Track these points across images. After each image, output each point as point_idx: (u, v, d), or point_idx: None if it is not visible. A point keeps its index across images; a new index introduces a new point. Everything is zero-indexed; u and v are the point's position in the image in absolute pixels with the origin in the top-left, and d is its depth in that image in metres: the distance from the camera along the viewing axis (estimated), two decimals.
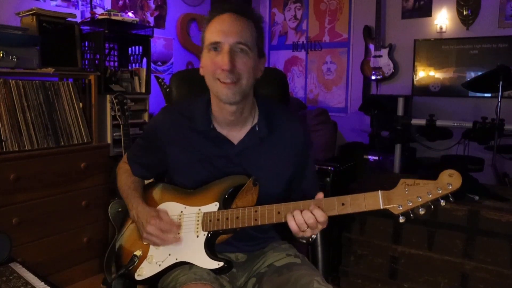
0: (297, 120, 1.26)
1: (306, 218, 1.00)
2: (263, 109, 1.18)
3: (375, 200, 0.97)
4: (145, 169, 1.29)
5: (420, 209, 0.95)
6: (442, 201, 0.94)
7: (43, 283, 1.28)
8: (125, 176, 1.29)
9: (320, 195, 1.03)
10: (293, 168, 1.20)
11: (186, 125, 1.18)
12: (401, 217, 0.96)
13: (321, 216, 0.99)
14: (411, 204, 0.95)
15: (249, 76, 1.07)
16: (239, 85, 1.06)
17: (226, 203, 1.12)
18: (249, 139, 1.16)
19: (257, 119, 1.17)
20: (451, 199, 0.94)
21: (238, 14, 1.07)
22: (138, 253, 1.17)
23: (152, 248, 1.16)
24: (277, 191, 1.18)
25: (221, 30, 1.05)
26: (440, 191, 0.93)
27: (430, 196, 0.94)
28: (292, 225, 1.01)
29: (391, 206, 0.96)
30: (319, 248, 1.38)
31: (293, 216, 1.01)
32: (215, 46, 1.05)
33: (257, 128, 1.16)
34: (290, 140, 1.19)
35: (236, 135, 1.16)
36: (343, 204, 0.99)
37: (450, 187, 0.92)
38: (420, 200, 0.94)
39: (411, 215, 0.97)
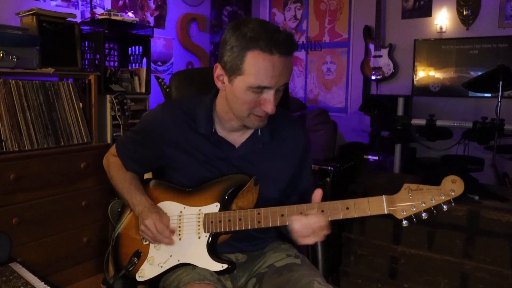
0: (299, 124, 1.26)
1: (312, 222, 1.00)
2: None
3: (380, 205, 0.98)
4: (138, 164, 1.25)
5: (423, 214, 0.97)
6: (444, 206, 0.96)
7: (43, 283, 1.28)
8: (121, 172, 1.26)
9: (318, 192, 1.03)
10: (292, 172, 1.20)
11: (188, 125, 1.16)
12: (404, 222, 0.98)
13: (323, 221, 1.00)
14: (414, 209, 0.97)
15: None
16: (269, 115, 1.07)
17: (226, 203, 1.11)
18: (251, 143, 1.16)
19: None
20: (453, 204, 0.96)
21: (288, 55, 1.00)
22: (137, 253, 1.16)
23: (152, 248, 1.16)
24: (275, 195, 1.18)
25: (273, 76, 0.99)
26: (443, 197, 0.95)
27: (433, 202, 0.96)
28: (298, 227, 1.01)
29: (395, 211, 0.97)
30: (319, 248, 1.38)
31: (299, 219, 1.01)
32: (261, 90, 1.01)
33: (259, 133, 1.15)
34: (292, 145, 1.19)
35: (237, 139, 1.16)
36: (347, 208, 1.00)
37: (453, 193, 0.95)
38: (424, 205, 0.96)
39: (414, 220, 0.98)
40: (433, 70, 3.89)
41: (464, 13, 3.69)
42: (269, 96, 1.02)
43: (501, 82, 2.65)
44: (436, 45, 3.84)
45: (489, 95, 3.54)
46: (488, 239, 1.87)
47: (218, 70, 1.07)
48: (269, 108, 1.02)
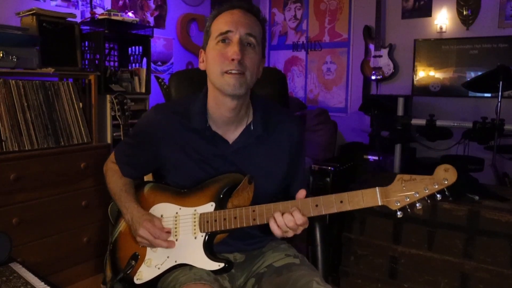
0: (293, 118, 1.26)
1: (286, 221, 1.01)
2: (258, 108, 1.18)
3: (373, 197, 0.98)
4: (134, 169, 1.25)
5: (417, 204, 0.97)
6: (438, 195, 0.96)
7: (43, 283, 1.28)
8: (115, 178, 1.25)
9: (301, 192, 1.04)
10: (287, 166, 1.21)
11: (182, 124, 1.16)
12: (398, 213, 0.98)
13: (300, 219, 1.01)
14: (408, 199, 0.96)
15: (253, 71, 1.08)
16: (245, 77, 1.06)
17: (221, 202, 1.11)
18: (245, 138, 1.16)
19: (252, 117, 1.17)
20: (447, 193, 0.96)
21: (248, 12, 1.10)
22: (134, 256, 1.16)
23: (149, 251, 1.15)
24: (272, 189, 1.18)
25: (232, 21, 1.07)
26: (437, 186, 0.95)
27: (427, 191, 0.95)
28: (273, 226, 1.02)
29: (389, 202, 0.97)
30: (319, 248, 1.38)
31: (275, 218, 1.02)
32: (225, 38, 1.06)
33: (252, 127, 1.16)
34: (286, 138, 1.20)
35: (231, 135, 1.16)
36: (341, 202, 0.99)
37: (446, 182, 0.94)
38: (417, 195, 0.96)
39: (409, 210, 0.98)
40: (433, 70, 3.89)
41: (464, 13, 3.69)
42: (232, 43, 1.05)
43: (501, 82, 2.66)
44: (436, 45, 3.84)
45: (489, 95, 3.54)
46: (488, 239, 1.87)
47: (201, 55, 1.15)
48: (232, 51, 1.04)
